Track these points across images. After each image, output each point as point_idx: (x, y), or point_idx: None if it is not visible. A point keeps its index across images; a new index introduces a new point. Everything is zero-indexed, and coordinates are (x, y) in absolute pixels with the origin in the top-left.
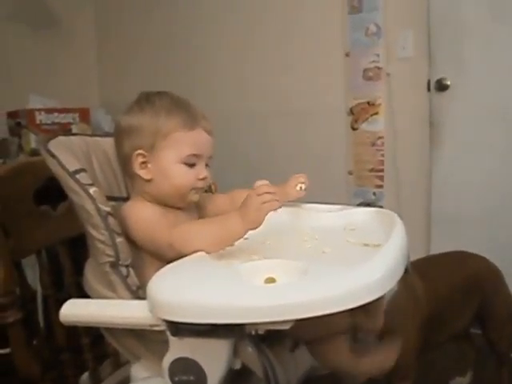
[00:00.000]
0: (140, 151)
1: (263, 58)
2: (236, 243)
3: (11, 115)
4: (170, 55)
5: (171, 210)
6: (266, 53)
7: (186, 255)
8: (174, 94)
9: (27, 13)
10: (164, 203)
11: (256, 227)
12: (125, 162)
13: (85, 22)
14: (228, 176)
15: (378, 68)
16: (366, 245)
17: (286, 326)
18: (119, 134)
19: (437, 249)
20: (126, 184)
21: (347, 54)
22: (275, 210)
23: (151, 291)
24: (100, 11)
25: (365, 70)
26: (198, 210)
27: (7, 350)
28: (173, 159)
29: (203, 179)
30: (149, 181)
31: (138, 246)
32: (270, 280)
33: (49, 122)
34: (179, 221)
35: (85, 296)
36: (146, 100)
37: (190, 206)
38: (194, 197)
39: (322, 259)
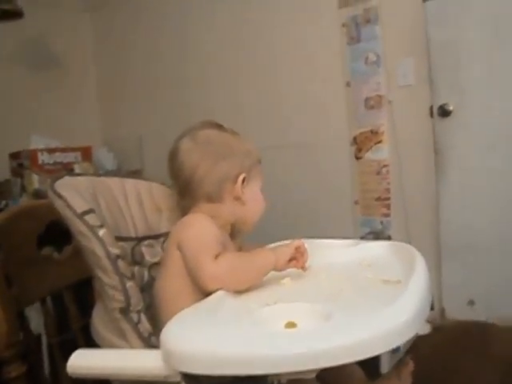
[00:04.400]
0: (244, 174)
1: (263, 90)
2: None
3: (13, 156)
4: (169, 92)
5: (224, 233)
6: (266, 86)
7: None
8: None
9: (28, 53)
10: (232, 229)
11: (276, 271)
12: (215, 185)
13: (84, 62)
14: None
15: (380, 96)
16: (386, 281)
17: (311, 375)
18: (207, 158)
19: (449, 278)
20: (134, 223)
21: (348, 84)
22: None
23: (166, 340)
24: (99, 51)
25: (366, 99)
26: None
27: None
28: (258, 185)
29: None
30: (242, 204)
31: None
32: (291, 325)
33: (51, 161)
34: (229, 249)
35: (91, 341)
36: (224, 128)
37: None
38: None
39: (343, 300)
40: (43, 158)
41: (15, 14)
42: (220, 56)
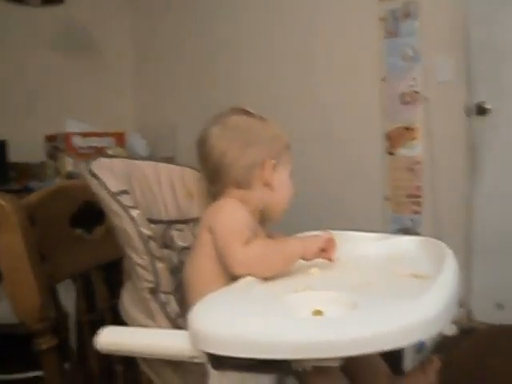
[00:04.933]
0: (273, 160)
1: (298, 82)
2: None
3: (49, 139)
4: (206, 80)
5: (255, 221)
6: (302, 78)
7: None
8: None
9: (67, 39)
10: (261, 215)
11: (304, 260)
12: (244, 171)
13: (122, 48)
14: None
15: (416, 92)
16: (415, 276)
17: (336, 363)
18: (235, 144)
19: (478, 280)
20: (166, 207)
21: (384, 79)
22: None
23: (193, 321)
24: (137, 37)
25: (402, 95)
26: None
27: (40, 373)
28: (287, 172)
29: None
30: (271, 190)
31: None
32: (318, 313)
33: (85, 145)
34: (259, 236)
35: (119, 322)
36: (252, 114)
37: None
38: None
39: (370, 291)
40: (77, 141)
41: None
42: (256, 47)
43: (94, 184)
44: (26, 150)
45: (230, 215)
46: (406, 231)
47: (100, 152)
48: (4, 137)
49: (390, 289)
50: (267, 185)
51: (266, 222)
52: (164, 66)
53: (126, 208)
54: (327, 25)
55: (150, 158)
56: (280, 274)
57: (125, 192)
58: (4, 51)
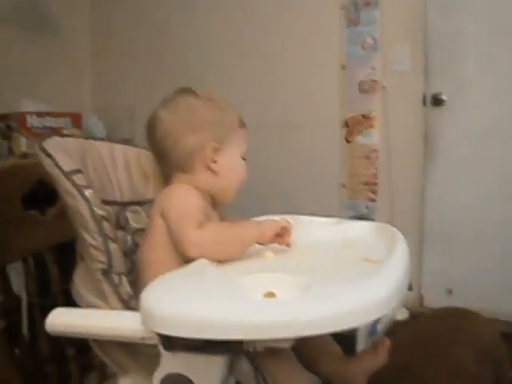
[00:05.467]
0: (214, 144)
1: (259, 69)
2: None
3: (2, 118)
4: (165, 62)
5: (207, 204)
6: (262, 64)
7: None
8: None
9: (23, 16)
10: (212, 199)
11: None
12: (185, 156)
13: (80, 28)
14: None
15: (374, 81)
16: (367, 260)
17: (287, 344)
18: (176, 128)
19: (429, 266)
20: (121, 188)
21: (343, 67)
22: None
23: (145, 302)
24: (95, 17)
25: (360, 83)
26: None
27: None
28: (238, 153)
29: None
30: (215, 174)
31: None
32: (270, 295)
33: (40, 125)
34: (212, 219)
35: (72, 305)
36: (199, 95)
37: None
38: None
39: (323, 274)
40: (32, 121)
41: None
42: (215, 31)
43: (47, 163)
44: None
45: (183, 199)
46: (362, 218)
47: (55, 132)
48: None
49: (342, 272)
50: (209, 169)
51: (218, 206)
52: (123, 47)
53: (79, 187)
54: (288, 12)
55: (107, 138)
56: (235, 257)
57: (78, 171)
58: None
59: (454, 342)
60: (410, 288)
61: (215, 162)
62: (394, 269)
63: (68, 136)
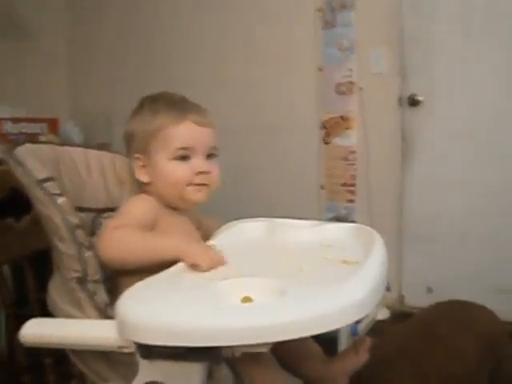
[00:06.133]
0: (137, 155)
1: (236, 71)
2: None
3: None
4: (142, 67)
5: (169, 211)
6: (239, 66)
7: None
8: (169, 93)
9: None
10: (169, 206)
11: (186, 262)
12: (129, 167)
13: (56, 31)
14: None
15: (351, 83)
16: (345, 262)
17: (265, 349)
18: (124, 142)
19: (409, 266)
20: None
21: (320, 69)
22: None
23: (120, 310)
24: (71, 21)
25: (338, 85)
26: (198, 224)
27: None
28: (164, 157)
29: (202, 173)
30: (149, 184)
31: None
32: (247, 299)
33: (15, 131)
34: (168, 223)
35: (49, 315)
36: (139, 104)
37: (192, 210)
38: (196, 195)
39: (300, 277)
40: (7, 127)
41: None
42: (192, 37)
43: (18, 171)
44: None
45: (126, 206)
46: (340, 219)
47: (31, 138)
48: None
49: (319, 275)
50: (138, 180)
51: (183, 210)
52: (101, 51)
53: (51, 196)
54: (265, 15)
55: (83, 144)
56: (142, 264)
57: (50, 179)
58: None
59: (455, 329)
60: (388, 289)
61: (143, 172)
62: (371, 270)
63: (43, 142)
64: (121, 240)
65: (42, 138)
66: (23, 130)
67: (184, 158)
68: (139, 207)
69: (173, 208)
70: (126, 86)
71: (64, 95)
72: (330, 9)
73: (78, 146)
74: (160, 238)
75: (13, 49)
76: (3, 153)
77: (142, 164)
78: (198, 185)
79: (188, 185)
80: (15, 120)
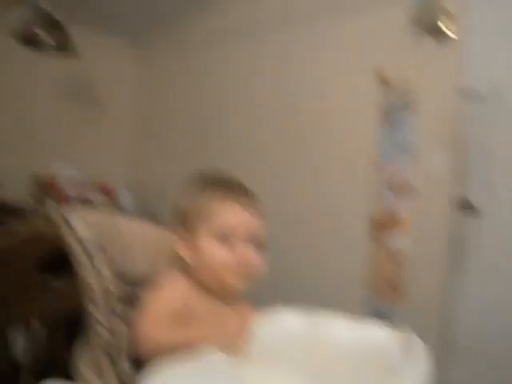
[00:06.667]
0: (180, 229)
1: (289, 157)
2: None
3: (37, 182)
4: (203, 142)
5: (202, 293)
6: (294, 153)
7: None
8: (221, 172)
9: (69, 86)
10: (204, 288)
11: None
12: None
13: (123, 106)
14: None
15: (405, 182)
16: (384, 368)
17: None
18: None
19: (449, 379)
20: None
21: (375, 165)
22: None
23: None
24: (139, 98)
25: (391, 183)
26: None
27: None
28: (205, 235)
29: (242, 260)
30: (193, 264)
31: None
32: None
33: (73, 193)
34: (201, 310)
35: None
36: (190, 179)
37: (236, 299)
38: (233, 282)
39: (333, 379)
40: (66, 187)
41: (68, 48)
42: (253, 122)
43: (65, 232)
44: (13, 189)
45: (159, 288)
46: (383, 318)
47: (86, 201)
48: None
49: (353, 378)
50: (185, 259)
51: (222, 295)
52: (162, 124)
53: (92, 259)
54: (326, 107)
55: (130, 213)
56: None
57: (93, 242)
58: (3, 89)
59: None
60: None
61: (186, 250)
62: (414, 381)
63: (95, 207)
64: (156, 341)
65: (96, 203)
66: (80, 193)
67: (226, 240)
68: (170, 292)
69: (208, 289)
70: (182, 160)
71: (123, 164)
72: (391, 108)
73: (126, 214)
74: (190, 331)
75: (84, 116)
76: (54, 211)
77: (183, 239)
78: (238, 271)
79: (229, 270)
80: (74, 182)
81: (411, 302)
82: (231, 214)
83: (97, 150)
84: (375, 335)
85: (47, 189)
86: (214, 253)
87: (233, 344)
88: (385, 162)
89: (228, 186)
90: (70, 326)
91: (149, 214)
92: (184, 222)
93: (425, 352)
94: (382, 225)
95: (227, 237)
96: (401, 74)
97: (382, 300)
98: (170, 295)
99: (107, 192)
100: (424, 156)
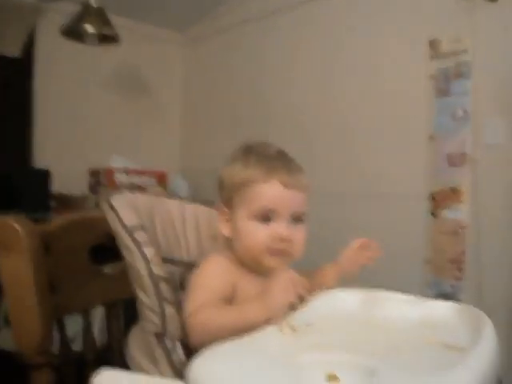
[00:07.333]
0: (223, 207)
1: (340, 135)
2: (298, 329)
3: (92, 173)
4: (253, 128)
5: (247, 272)
6: (345, 131)
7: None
8: (266, 145)
9: (120, 79)
10: (247, 266)
11: (277, 316)
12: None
13: (172, 93)
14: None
15: (464, 154)
16: (448, 347)
17: None
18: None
19: None
20: (188, 248)
21: (431, 138)
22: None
23: (191, 377)
24: (188, 84)
25: (449, 155)
26: None
27: None
28: (244, 214)
29: (282, 239)
30: (230, 240)
31: None
32: (332, 378)
33: (127, 182)
34: (248, 289)
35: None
36: (235, 152)
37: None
38: (272, 262)
39: (395, 359)
40: (120, 177)
41: (112, 39)
42: (304, 100)
43: (110, 216)
44: (69, 182)
45: (203, 274)
46: (446, 297)
47: (141, 190)
48: (50, 167)
49: (417, 359)
50: (225, 234)
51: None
52: (212, 112)
53: (139, 244)
54: (376, 80)
55: (185, 199)
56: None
57: (141, 227)
58: (59, 86)
59: None
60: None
61: (226, 225)
62: (480, 361)
63: (147, 192)
64: (205, 325)
65: (150, 191)
66: (134, 181)
67: (265, 219)
68: (215, 277)
69: (251, 268)
70: (235, 145)
71: (175, 150)
72: (444, 77)
73: (175, 198)
74: (242, 308)
75: (132, 105)
76: (103, 199)
77: (226, 218)
78: (276, 251)
79: (265, 250)
80: (128, 171)
81: (476, 278)
82: (273, 195)
83: (150, 140)
84: (437, 311)
85: (102, 180)
86: (253, 235)
87: (284, 309)
88: (441, 133)
89: (271, 163)
90: (128, 314)
91: (203, 201)
92: (227, 200)
93: (493, 331)
94: (442, 199)
95: (268, 217)
96: (455, 41)
97: (445, 278)
98: (214, 281)
99: (161, 179)
100: (482, 124)
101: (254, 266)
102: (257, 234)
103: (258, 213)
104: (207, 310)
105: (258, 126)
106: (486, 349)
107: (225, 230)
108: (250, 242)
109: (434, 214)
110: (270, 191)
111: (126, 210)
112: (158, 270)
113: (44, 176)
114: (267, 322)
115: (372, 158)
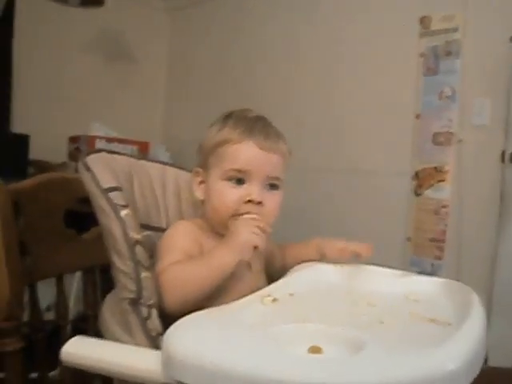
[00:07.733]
0: (197, 169)
1: (327, 111)
2: (280, 300)
3: (72, 140)
4: (234, 102)
5: (219, 239)
6: (332, 107)
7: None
8: (247, 111)
9: (103, 43)
10: (216, 232)
11: (245, 254)
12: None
13: (157, 61)
14: (283, 230)
15: (450, 133)
16: (433, 321)
17: None
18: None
19: (495, 335)
20: (168, 214)
21: (418, 116)
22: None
23: (168, 344)
24: (173, 52)
25: (435, 135)
26: (261, 256)
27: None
28: (216, 175)
29: (252, 202)
30: (202, 202)
31: None
32: (315, 349)
33: (108, 150)
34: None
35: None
36: (218, 117)
37: None
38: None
39: (380, 332)
40: (101, 145)
41: (96, 2)
42: (290, 74)
43: (85, 177)
44: (48, 148)
45: (170, 238)
46: (426, 276)
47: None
48: (29, 133)
49: (403, 332)
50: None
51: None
52: (197, 82)
53: (114, 206)
54: (364, 57)
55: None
56: (214, 286)
57: (117, 189)
58: (39, 49)
59: None
60: (485, 361)
61: (200, 188)
62: (468, 336)
63: (117, 153)
64: (176, 279)
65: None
66: (115, 150)
67: (238, 181)
68: (182, 237)
69: (220, 235)
70: (215, 114)
71: (158, 121)
72: (433, 55)
73: (156, 162)
74: (209, 255)
75: (115, 72)
76: (80, 160)
77: (200, 180)
78: (244, 215)
79: (233, 213)
80: (109, 139)
81: (456, 257)
82: (246, 156)
83: (133, 108)
84: (422, 285)
85: (82, 148)
86: (222, 195)
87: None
88: (428, 112)
89: (249, 125)
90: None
91: (183, 168)
92: (203, 163)
93: (481, 306)
94: (426, 178)
95: (240, 179)
96: (446, 19)
97: (425, 257)
98: (182, 241)
99: (143, 149)
100: (469, 104)
101: (220, 229)
102: (226, 195)
103: (230, 174)
104: (176, 266)
105: (244, 97)
106: (475, 324)
107: (198, 192)
108: (218, 202)
109: (416, 193)
110: (245, 151)
111: (102, 170)
112: (134, 232)
113: (23, 141)
114: (237, 263)
115: (359, 135)
